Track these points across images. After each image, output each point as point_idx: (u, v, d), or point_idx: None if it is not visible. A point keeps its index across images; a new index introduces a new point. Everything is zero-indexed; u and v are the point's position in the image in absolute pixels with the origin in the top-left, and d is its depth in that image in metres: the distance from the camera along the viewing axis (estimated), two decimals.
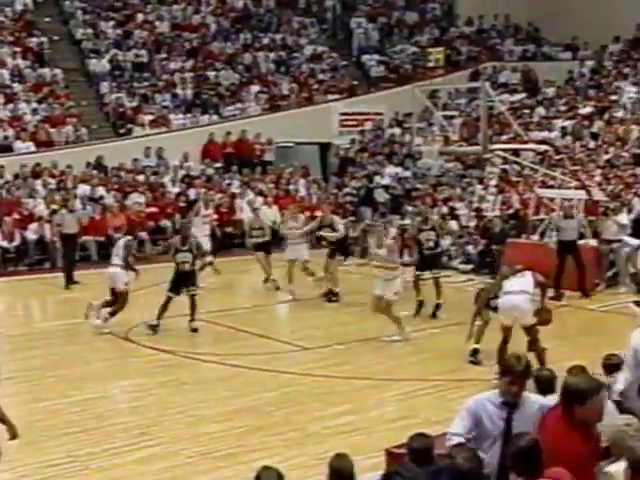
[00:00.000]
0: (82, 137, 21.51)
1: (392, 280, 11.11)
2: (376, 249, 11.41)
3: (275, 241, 15.66)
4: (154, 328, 11.70)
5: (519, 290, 9.29)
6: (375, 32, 28.05)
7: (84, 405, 8.62)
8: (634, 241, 14.85)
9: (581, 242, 15.40)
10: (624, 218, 15.22)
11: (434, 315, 12.48)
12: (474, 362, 9.97)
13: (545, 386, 5.70)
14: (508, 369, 4.79)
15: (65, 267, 15.80)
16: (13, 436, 5.80)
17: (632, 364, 5.79)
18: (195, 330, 11.80)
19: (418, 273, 12.70)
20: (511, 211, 17.75)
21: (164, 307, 11.85)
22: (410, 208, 19.81)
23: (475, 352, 10.01)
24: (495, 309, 9.82)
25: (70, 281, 15.59)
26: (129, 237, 13.00)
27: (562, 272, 13.83)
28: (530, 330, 9.27)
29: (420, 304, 12.53)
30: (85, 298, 14.50)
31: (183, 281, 12.01)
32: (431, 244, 12.63)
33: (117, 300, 11.99)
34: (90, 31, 24.38)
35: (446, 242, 17.76)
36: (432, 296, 12.64)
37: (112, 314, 11.86)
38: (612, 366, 6.26)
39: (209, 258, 14.46)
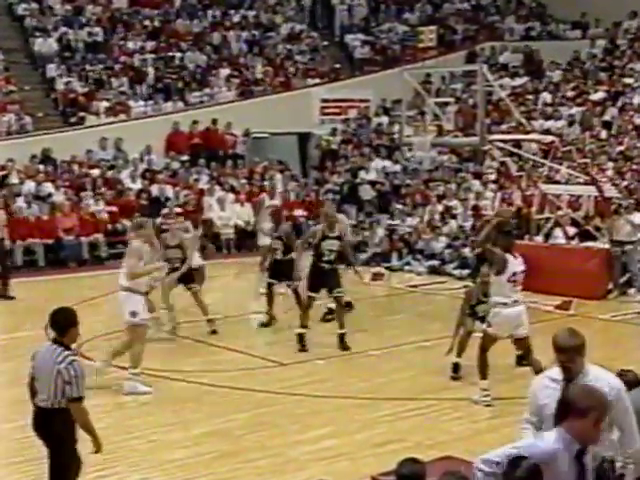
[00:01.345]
0: (26, 127, 21.41)
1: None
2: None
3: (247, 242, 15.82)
4: (266, 325, 12.51)
5: (520, 301, 9.36)
6: (360, 9, 28.15)
7: (28, 431, 8.55)
8: None
9: (590, 244, 15.57)
10: (638, 217, 15.36)
11: (345, 348, 11.40)
12: (455, 378, 10.12)
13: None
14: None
15: None
16: (97, 449, 6.15)
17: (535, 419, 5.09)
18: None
19: (312, 294, 11.64)
20: (512, 209, 17.87)
21: (269, 298, 12.81)
22: (400, 206, 19.91)
23: (456, 367, 10.15)
24: (481, 318, 9.92)
25: (4, 295, 15.33)
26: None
27: None
28: (524, 341, 9.36)
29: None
30: (25, 309, 14.41)
31: (279, 269, 12.63)
32: (332, 257, 11.50)
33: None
34: (35, 6, 24.27)
35: (439, 245, 17.90)
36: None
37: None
38: (626, 383, 6.32)
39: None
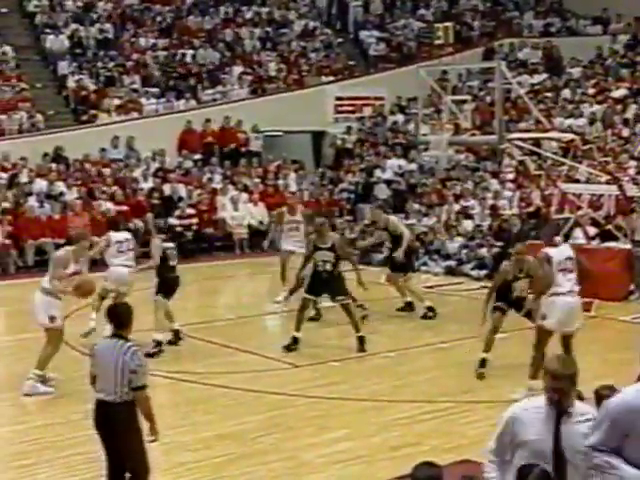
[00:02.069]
0: (38, 125, 21.51)
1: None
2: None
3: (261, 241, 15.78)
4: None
5: (575, 291, 9.34)
6: (375, 5, 28.13)
7: (40, 433, 8.60)
8: None
9: (611, 244, 15.52)
10: None
11: (362, 350, 11.49)
12: (480, 374, 10.11)
13: None
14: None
15: None
16: (155, 438, 6.30)
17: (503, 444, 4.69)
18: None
19: (310, 297, 11.86)
20: (531, 209, 17.84)
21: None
22: (416, 206, 19.88)
23: (483, 362, 10.14)
24: (515, 304, 9.91)
25: None
26: None
27: None
28: (570, 338, 9.33)
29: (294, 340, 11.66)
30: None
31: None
32: (328, 267, 11.70)
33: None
34: (45, 3, 24.39)
35: (455, 245, 17.86)
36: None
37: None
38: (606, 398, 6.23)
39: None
